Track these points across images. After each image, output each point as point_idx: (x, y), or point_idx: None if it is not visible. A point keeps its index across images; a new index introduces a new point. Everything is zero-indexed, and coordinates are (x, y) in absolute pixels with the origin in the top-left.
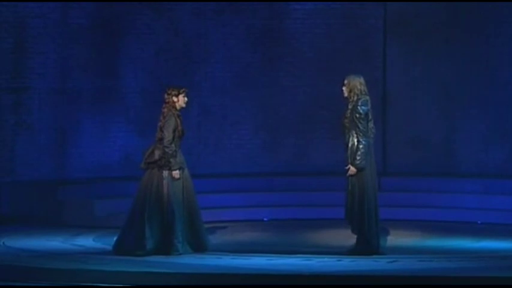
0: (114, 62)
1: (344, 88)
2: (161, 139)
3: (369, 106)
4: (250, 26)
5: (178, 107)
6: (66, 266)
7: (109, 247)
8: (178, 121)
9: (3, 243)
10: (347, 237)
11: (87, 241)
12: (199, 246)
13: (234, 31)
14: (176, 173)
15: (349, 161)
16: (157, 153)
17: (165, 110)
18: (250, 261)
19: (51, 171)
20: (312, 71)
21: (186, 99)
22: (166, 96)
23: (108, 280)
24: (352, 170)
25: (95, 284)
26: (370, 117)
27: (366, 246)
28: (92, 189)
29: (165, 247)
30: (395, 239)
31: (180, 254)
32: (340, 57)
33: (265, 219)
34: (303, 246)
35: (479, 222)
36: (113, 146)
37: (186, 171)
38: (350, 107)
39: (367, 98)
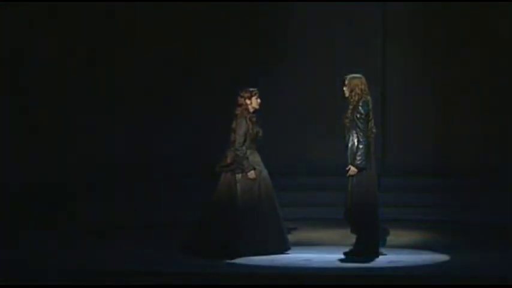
0: (115, 62)
1: (345, 88)
2: (234, 141)
3: (370, 106)
4: (250, 26)
5: (251, 109)
6: (66, 265)
7: (109, 246)
8: (250, 123)
9: (3, 243)
10: (347, 237)
11: (87, 241)
12: (279, 246)
13: (234, 31)
14: (252, 174)
15: (350, 161)
16: (229, 157)
17: (238, 112)
18: (250, 261)
19: (51, 172)
20: (311, 71)
21: (258, 100)
22: (239, 98)
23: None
24: (353, 170)
25: (96, 284)
26: (370, 117)
27: (366, 246)
28: (93, 189)
29: (235, 247)
30: (395, 239)
31: (247, 255)
32: (340, 57)
33: None
34: (303, 245)
35: (478, 222)
36: (113, 146)
37: (264, 172)
38: (351, 107)
39: (368, 98)
